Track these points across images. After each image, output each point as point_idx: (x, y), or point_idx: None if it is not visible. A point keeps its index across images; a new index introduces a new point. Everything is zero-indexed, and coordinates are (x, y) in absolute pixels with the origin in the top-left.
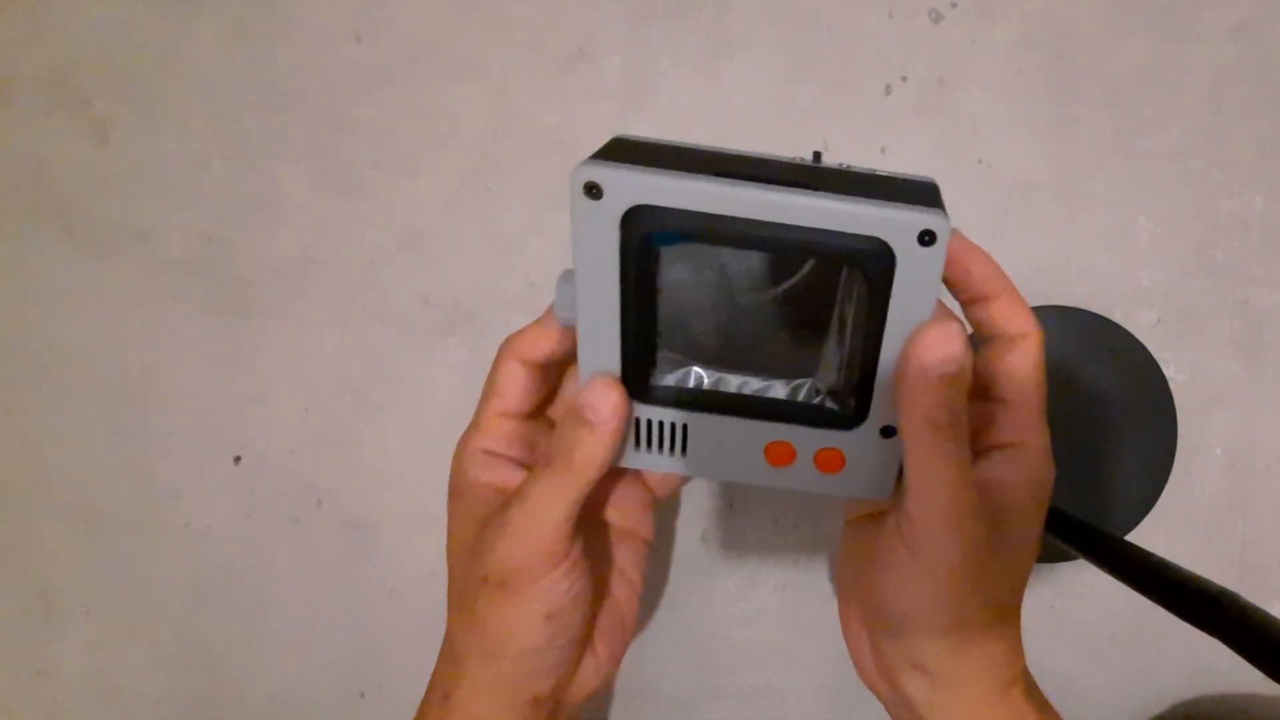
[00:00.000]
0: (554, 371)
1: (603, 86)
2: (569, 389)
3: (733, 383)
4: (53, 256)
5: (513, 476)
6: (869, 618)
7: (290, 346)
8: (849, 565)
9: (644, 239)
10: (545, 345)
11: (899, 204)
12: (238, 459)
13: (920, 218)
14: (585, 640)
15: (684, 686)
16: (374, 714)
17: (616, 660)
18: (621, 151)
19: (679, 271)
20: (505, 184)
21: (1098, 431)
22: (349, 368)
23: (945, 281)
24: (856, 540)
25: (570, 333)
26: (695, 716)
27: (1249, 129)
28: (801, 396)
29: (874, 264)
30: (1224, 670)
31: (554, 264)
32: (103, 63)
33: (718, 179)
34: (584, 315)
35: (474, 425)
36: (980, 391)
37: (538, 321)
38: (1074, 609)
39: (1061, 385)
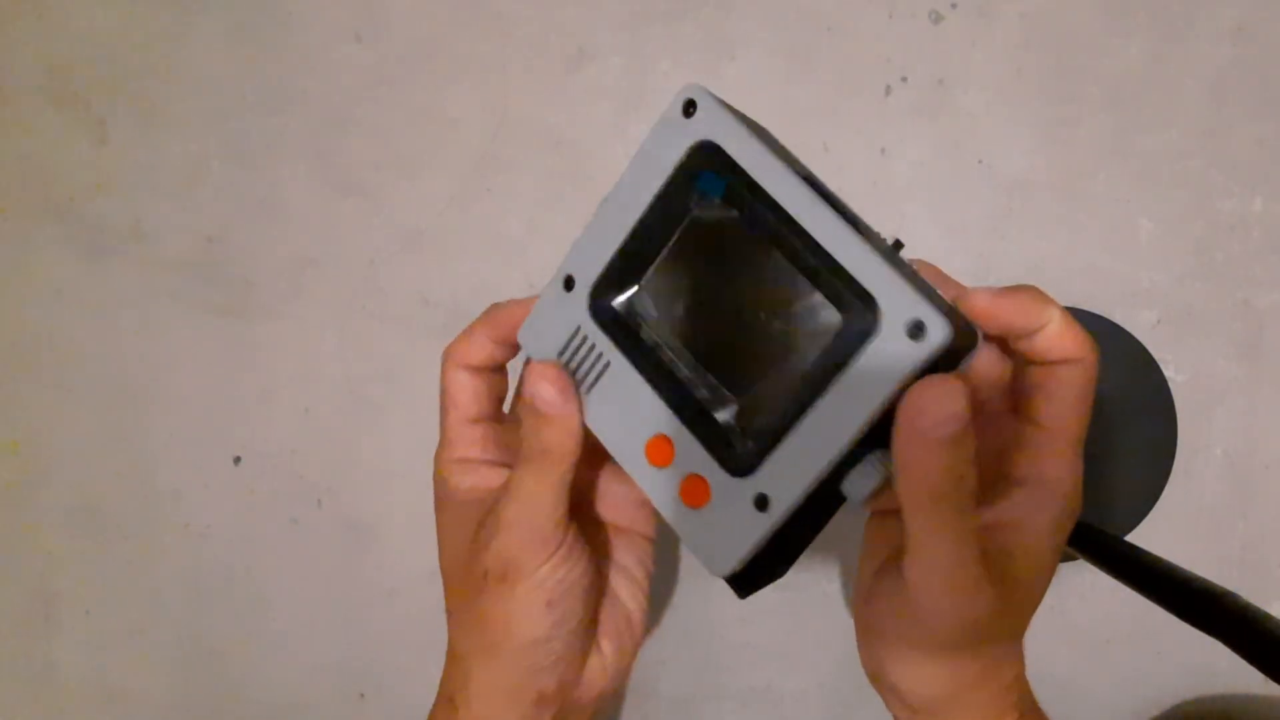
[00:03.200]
0: (502, 371)
1: (603, 87)
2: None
3: (666, 356)
4: (52, 256)
5: (493, 477)
6: (868, 632)
7: (290, 346)
8: (866, 567)
9: (694, 172)
10: (481, 351)
11: (921, 290)
12: (238, 459)
13: (925, 310)
14: (589, 634)
15: (684, 686)
16: (374, 714)
17: (625, 660)
18: (721, 102)
19: (698, 228)
20: (505, 184)
21: (1098, 431)
22: (349, 368)
23: (990, 337)
24: (873, 544)
25: (504, 340)
26: (695, 717)
27: (1249, 129)
28: (715, 409)
29: (852, 324)
30: (1224, 670)
31: (554, 264)
32: (103, 63)
33: (787, 167)
34: (605, 210)
35: (441, 439)
36: (1018, 408)
37: (467, 330)
38: (1074, 609)
39: None
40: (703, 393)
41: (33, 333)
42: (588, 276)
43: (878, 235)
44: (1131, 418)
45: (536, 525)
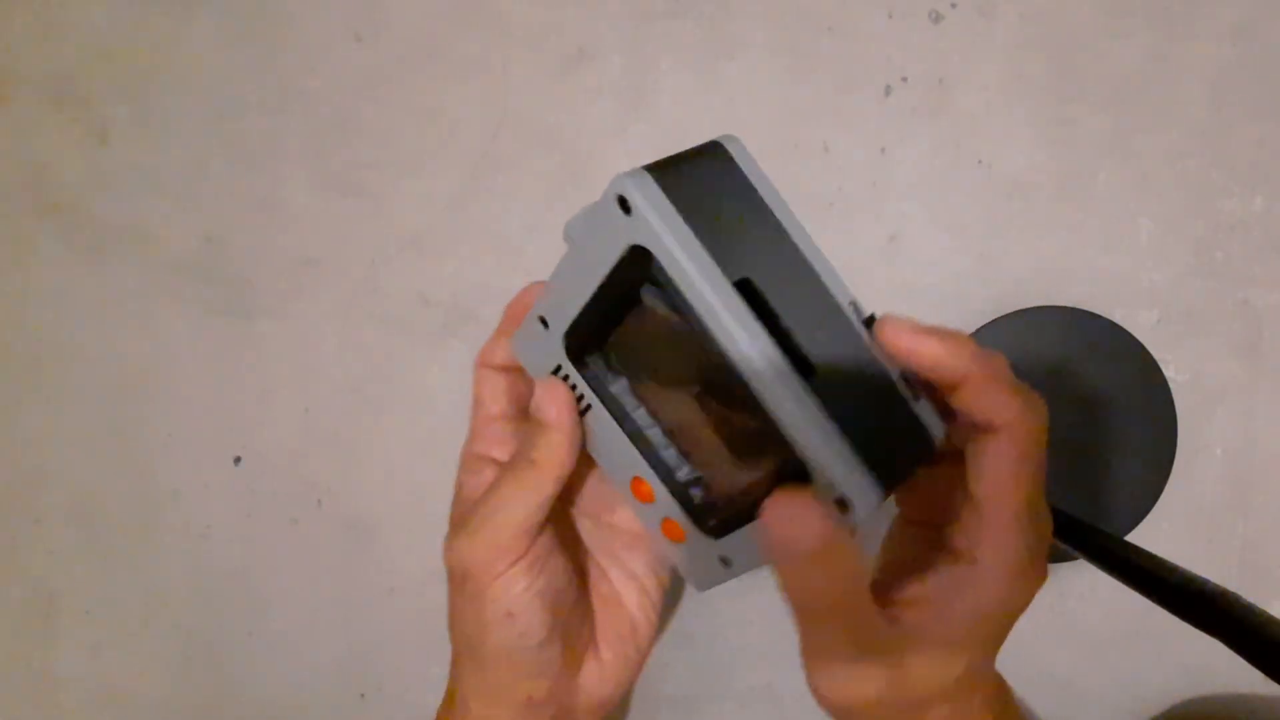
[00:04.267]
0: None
1: (603, 86)
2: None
3: (638, 415)
4: (53, 256)
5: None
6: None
7: (290, 346)
8: None
9: (635, 273)
10: (502, 351)
11: (857, 457)
12: (238, 459)
13: (853, 484)
14: (574, 643)
15: (684, 687)
16: (374, 715)
17: (629, 668)
18: (698, 176)
19: (649, 315)
20: (505, 184)
21: (1098, 431)
22: (349, 368)
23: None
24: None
25: None
26: (696, 717)
27: (1249, 129)
28: (680, 474)
29: (785, 473)
30: (1224, 670)
31: (554, 264)
32: (103, 63)
33: (732, 296)
34: (560, 275)
35: (469, 434)
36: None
37: (498, 330)
38: (1074, 609)
39: (1061, 385)
40: (670, 456)
41: (32, 332)
42: (559, 324)
43: (852, 321)
44: (1131, 418)
45: (498, 534)
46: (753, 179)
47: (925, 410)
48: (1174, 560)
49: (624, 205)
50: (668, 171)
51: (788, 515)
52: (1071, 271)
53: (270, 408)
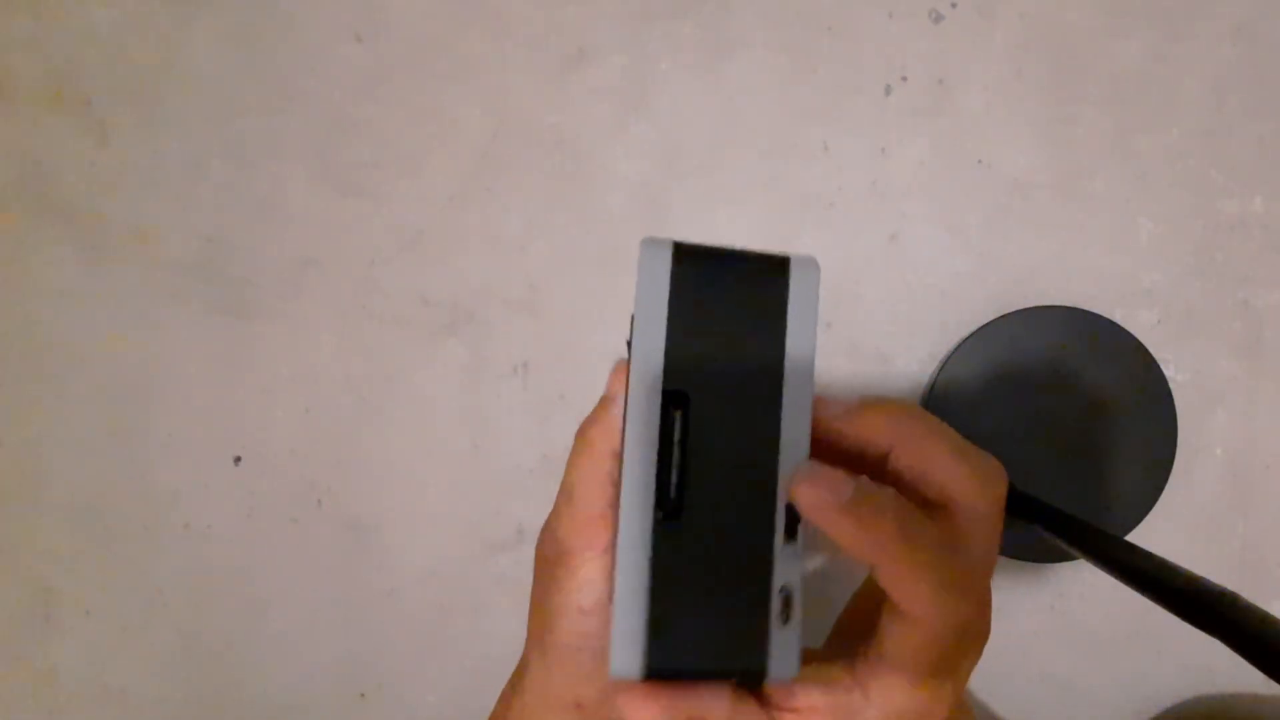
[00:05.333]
0: None
1: (603, 87)
2: None
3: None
4: (53, 256)
5: None
6: None
7: (290, 346)
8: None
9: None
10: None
11: (646, 629)
12: (238, 459)
13: (623, 645)
14: None
15: None
16: (374, 714)
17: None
18: (731, 271)
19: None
20: (505, 184)
21: (1098, 431)
22: (349, 368)
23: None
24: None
25: None
26: None
27: (1249, 129)
28: None
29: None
30: (1224, 670)
31: (554, 264)
32: (103, 63)
33: (647, 392)
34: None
35: (599, 418)
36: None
37: (602, 404)
38: (1074, 609)
39: (1062, 385)
40: None
41: (33, 333)
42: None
43: (777, 491)
44: (1131, 418)
45: (579, 516)
46: (792, 308)
47: (785, 639)
48: (1174, 560)
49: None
50: (699, 253)
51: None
52: (1071, 271)
53: (270, 408)
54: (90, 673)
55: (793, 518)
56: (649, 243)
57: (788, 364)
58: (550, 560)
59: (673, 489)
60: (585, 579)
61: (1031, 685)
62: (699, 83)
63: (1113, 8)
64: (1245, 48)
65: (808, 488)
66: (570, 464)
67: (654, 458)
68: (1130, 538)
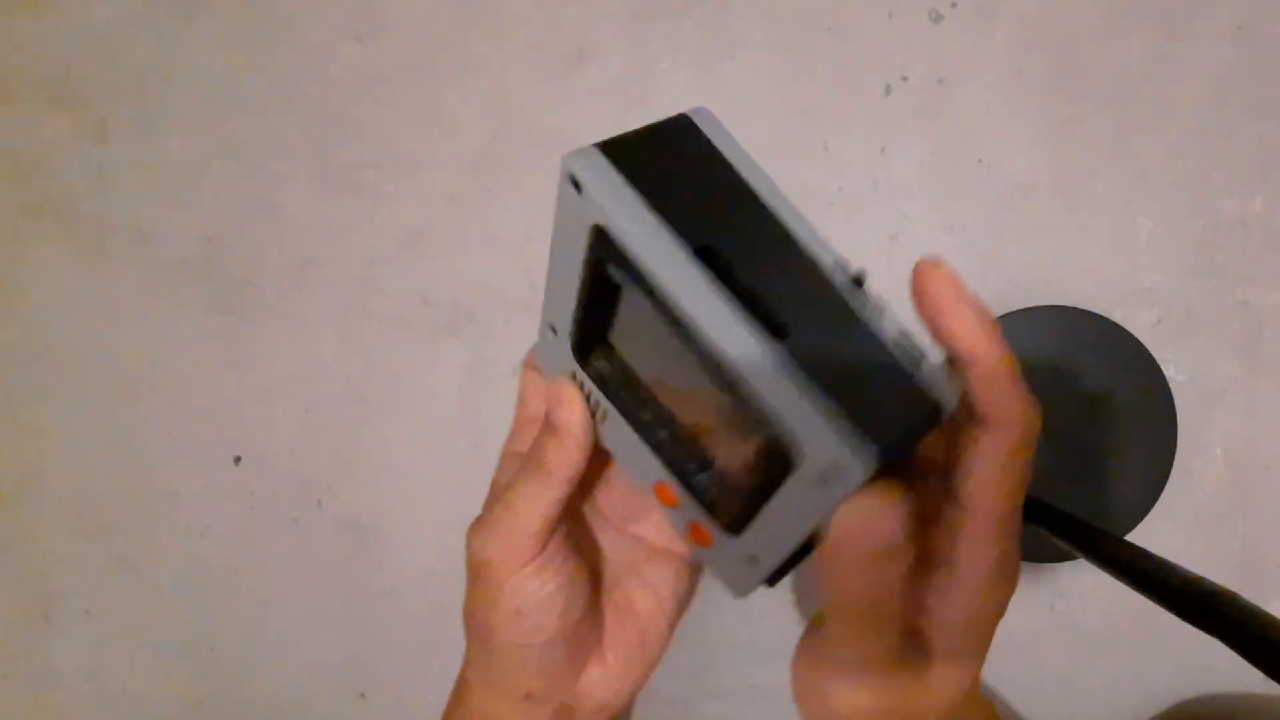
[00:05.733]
0: None
1: (603, 87)
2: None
3: (646, 413)
4: (53, 256)
5: None
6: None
7: (290, 346)
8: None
9: (604, 258)
10: None
11: (843, 414)
12: (238, 459)
13: (842, 451)
14: (572, 645)
15: (684, 686)
16: (374, 714)
17: (634, 676)
18: (657, 148)
19: (634, 306)
20: (505, 184)
21: (1098, 431)
22: (349, 368)
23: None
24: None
25: None
26: (695, 716)
27: (1249, 129)
28: (695, 474)
29: (773, 448)
30: (1224, 670)
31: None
32: (103, 63)
33: (690, 261)
34: (553, 276)
35: (510, 431)
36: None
37: (559, 434)
38: (1074, 609)
39: (1062, 385)
40: (682, 456)
41: (32, 332)
42: (564, 328)
43: (835, 281)
44: (1131, 418)
45: (514, 535)
46: (722, 148)
47: (932, 374)
48: (1174, 560)
49: (576, 184)
50: (620, 145)
51: (873, 512)
52: (1071, 271)
53: (270, 408)
54: (90, 673)
55: (858, 281)
56: (578, 154)
57: (752, 182)
58: (480, 570)
59: (769, 318)
60: (515, 586)
61: (1031, 685)
62: (699, 83)
63: (1113, 8)
64: (1245, 48)
65: (941, 268)
66: (520, 483)
67: (736, 305)
68: (1130, 538)
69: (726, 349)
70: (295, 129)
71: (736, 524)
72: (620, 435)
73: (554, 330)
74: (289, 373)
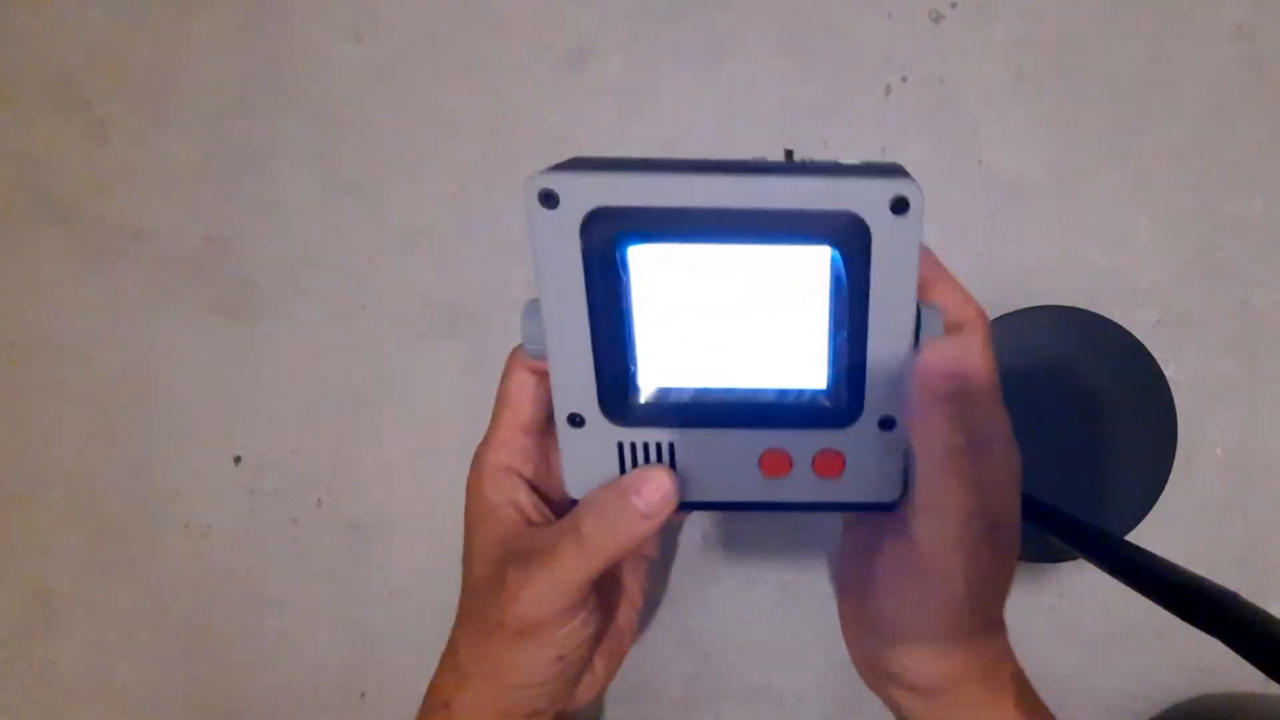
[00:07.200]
0: None
1: (603, 87)
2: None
3: (717, 393)
4: (53, 256)
5: (528, 499)
6: (862, 630)
7: (290, 346)
8: (848, 568)
9: (607, 245)
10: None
11: (868, 177)
12: (238, 459)
13: (891, 185)
14: (589, 667)
15: (684, 687)
16: (374, 714)
17: (613, 671)
18: (578, 163)
19: (648, 279)
20: (505, 184)
21: (1098, 431)
22: (349, 368)
23: None
24: (856, 542)
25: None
26: (695, 717)
27: (1249, 129)
28: (791, 399)
29: (850, 241)
30: (1224, 670)
31: None
32: (103, 63)
33: (678, 172)
34: (553, 339)
35: (490, 439)
36: None
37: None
38: (1074, 609)
39: (1062, 385)
40: (767, 396)
41: (33, 332)
42: (589, 405)
43: (794, 164)
44: (1131, 418)
45: (565, 598)
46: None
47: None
48: (1174, 560)
49: (549, 198)
50: (548, 170)
51: (952, 348)
52: (1071, 271)
53: (270, 408)
54: (90, 673)
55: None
56: (539, 176)
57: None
58: (530, 629)
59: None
60: (565, 639)
61: (1032, 685)
62: (699, 83)
63: (1113, 8)
64: (1245, 48)
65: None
66: (584, 546)
67: (757, 173)
68: (1130, 538)
69: (767, 200)
70: (295, 129)
71: (856, 393)
72: (695, 460)
73: (580, 419)
74: (289, 373)
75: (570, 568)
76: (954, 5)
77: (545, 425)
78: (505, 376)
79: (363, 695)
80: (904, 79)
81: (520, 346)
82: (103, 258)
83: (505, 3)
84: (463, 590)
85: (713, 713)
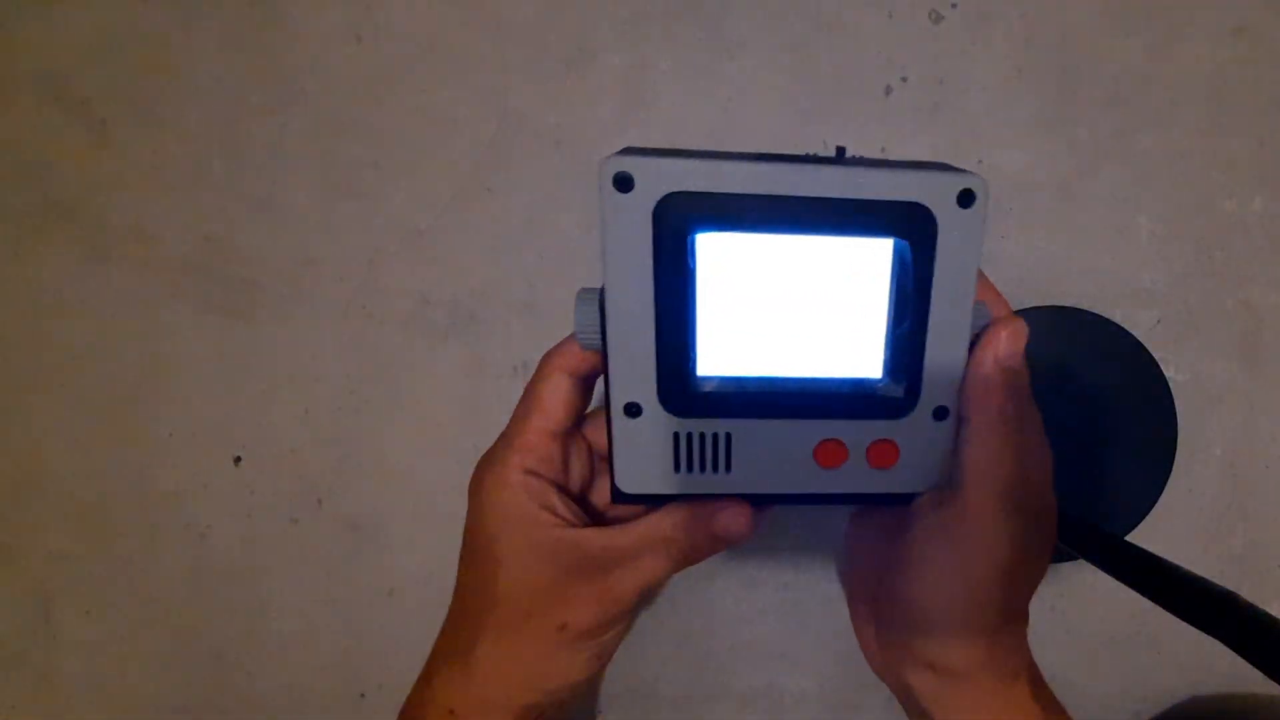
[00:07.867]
0: (592, 383)
1: (603, 86)
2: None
3: (775, 383)
4: (53, 256)
5: (560, 502)
6: (882, 612)
7: (290, 346)
8: (863, 553)
9: (679, 231)
10: (588, 360)
11: (932, 170)
12: (238, 459)
13: (958, 178)
14: None
15: (684, 687)
16: (374, 714)
17: (605, 663)
18: (643, 150)
19: (713, 268)
20: (505, 184)
21: (1098, 431)
22: (349, 368)
23: None
24: (872, 526)
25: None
26: (695, 716)
27: (1249, 129)
28: (848, 389)
29: (918, 230)
30: (1224, 670)
31: (554, 264)
32: (103, 63)
33: (753, 160)
34: (615, 326)
35: (513, 441)
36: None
37: (573, 335)
38: (1074, 609)
39: (1062, 385)
40: (826, 385)
41: (33, 333)
42: (648, 395)
43: (853, 159)
44: (1131, 418)
45: (631, 602)
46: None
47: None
48: (1174, 560)
49: (624, 181)
50: (620, 153)
51: (1016, 330)
52: (1071, 271)
53: (270, 408)
54: (90, 673)
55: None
56: (616, 158)
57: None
58: (581, 632)
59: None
60: (607, 641)
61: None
62: (699, 83)
63: (1113, 8)
64: (1245, 48)
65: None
66: (652, 565)
67: (827, 163)
68: (1130, 538)
69: (847, 183)
70: (295, 129)
71: (913, 382)
72: (751, 451)
73: (637, 409)
74: (289, 373)
75: (647, 575)
76: (954, 5)
77: (571, 431)
78: (539, 379)
79: (362, 695)
80: (904, 79)
81: (556, 348)
82: (103, 258)
83: (505, 3)
84: (478, 596)
85: (713, 713)
